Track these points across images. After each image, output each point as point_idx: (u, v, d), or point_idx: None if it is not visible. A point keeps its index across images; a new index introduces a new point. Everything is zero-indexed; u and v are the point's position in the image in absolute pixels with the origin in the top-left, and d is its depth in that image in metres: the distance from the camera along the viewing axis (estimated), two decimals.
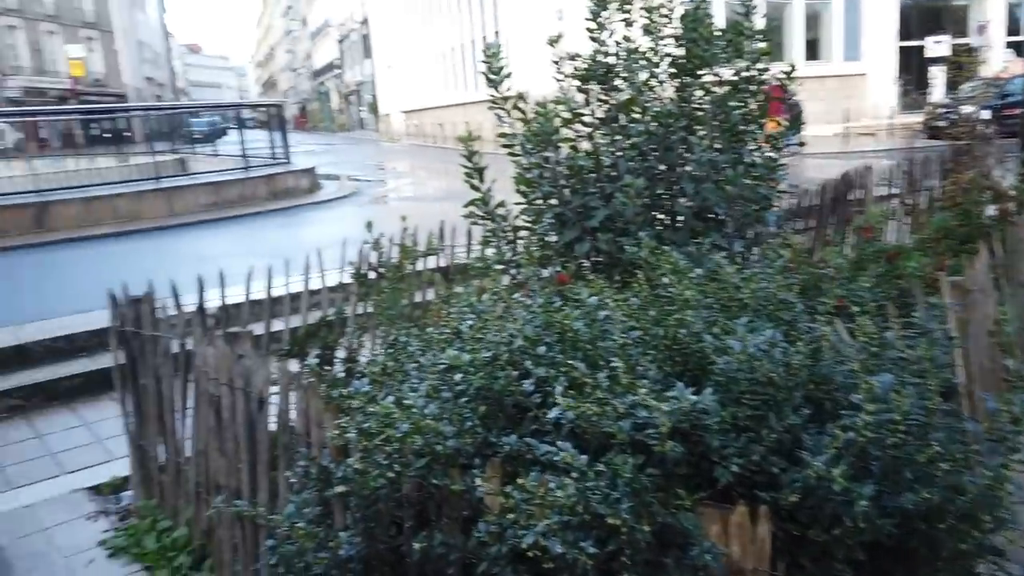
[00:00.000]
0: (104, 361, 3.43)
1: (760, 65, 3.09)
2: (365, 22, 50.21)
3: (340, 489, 1.59)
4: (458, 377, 1.82)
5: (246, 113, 19.77)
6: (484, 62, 3.11)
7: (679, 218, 3.17)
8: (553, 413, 1.52)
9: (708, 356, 1.63)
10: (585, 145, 3.28)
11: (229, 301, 3.57)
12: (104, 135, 21.27)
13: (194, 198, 12.57)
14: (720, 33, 3.12)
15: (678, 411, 1.39)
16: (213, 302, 3.60)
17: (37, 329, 5.39)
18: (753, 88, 3.13)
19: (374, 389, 2.02)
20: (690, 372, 1.77)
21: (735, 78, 3.12)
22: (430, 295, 3.86)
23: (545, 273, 2.97)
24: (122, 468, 3.56)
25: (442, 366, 1.89)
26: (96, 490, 3.60)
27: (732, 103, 3.10)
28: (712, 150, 3.15)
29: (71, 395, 4.82)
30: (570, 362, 1.61)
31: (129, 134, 20.48)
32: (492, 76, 3.08)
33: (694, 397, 1.42)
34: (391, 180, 19.51)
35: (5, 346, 5.09)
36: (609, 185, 3.17)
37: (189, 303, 3.53)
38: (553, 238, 3.21)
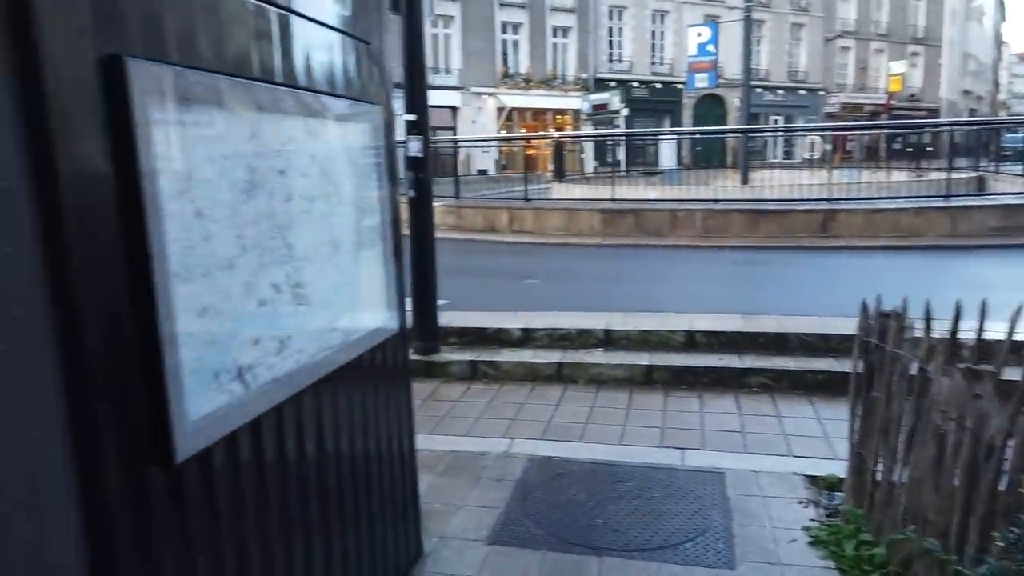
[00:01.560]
0: (848, 366, 3.61)
1: None
2: None
3: None
4: None
5: None
6: None
7: None
8: None
9: None
10: None
11: (988, 336, 3.24)
12: (906, 149, 21.53)
13: (981, 219, 11.65)
14: None
15: None
16: (968, 333, 3.33)
17: (796, 323, 5.99)
18: None
19: None
20: None
21: None
22: None
23: None
24: (839, 469, 3.70)
25: None
26: (812, 480, 3.84)
27: None
28: None
29: (812, 388, 5.21)
30: None
31: (931, 149, 20.14)
32: None
33: None
34: None
35: (769, 331, 5.83)
36: None
37: (941, 328, 3.36)
38: None
